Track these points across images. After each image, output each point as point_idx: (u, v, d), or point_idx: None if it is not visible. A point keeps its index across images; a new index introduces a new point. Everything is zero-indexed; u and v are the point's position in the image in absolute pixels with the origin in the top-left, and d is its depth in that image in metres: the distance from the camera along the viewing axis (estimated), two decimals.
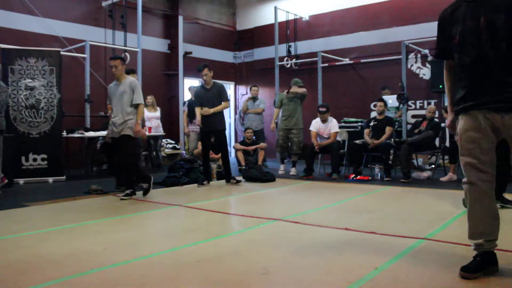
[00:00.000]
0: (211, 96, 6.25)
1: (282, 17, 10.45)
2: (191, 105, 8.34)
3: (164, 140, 9.52)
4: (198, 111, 6.33)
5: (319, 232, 3.49)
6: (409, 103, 8.66)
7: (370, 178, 6.64)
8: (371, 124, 7.12)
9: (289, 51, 10.73)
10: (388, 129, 6.86)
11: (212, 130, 6.27)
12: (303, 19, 10.92)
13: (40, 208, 4.68)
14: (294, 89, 7.64)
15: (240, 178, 6.70)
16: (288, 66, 10.57)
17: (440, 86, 8.15)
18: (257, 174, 6.74)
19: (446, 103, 2.77)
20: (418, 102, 9.10)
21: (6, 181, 5.96)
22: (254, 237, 3.40)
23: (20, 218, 4.21)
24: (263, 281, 2.39)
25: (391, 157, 6.67)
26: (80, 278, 2.44)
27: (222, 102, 6.28)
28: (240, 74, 12.41)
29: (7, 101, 5.83)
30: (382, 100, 7.11)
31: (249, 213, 4.27)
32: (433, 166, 7.21)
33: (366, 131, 7.16)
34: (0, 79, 5.75)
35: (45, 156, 6.74)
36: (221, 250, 2.99)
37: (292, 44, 10.79)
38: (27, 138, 6.68)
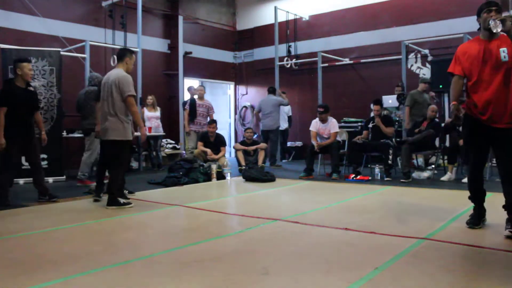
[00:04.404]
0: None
1: (282, 17, 10.45)
2: (193, 104, 8.35)
3: (164, 140, 9.52)
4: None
5: (319, 232, 3.49)
6: None
7: (370, 178, 6.64)
8: (370, 125, 7.11)
9: (289, 51, 10.73)
10: (390, 130, 6.88)
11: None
12: (303, 19, 10.92)
13: (40, 208, 4.68)
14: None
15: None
16: (288, 66, 10.57)
17: (441, 86, 8.15)
18: (257, 174, 6.74)
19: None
20: None
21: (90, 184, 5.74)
22: (254, 237, 3.40)
23: (20, 218, 4.21)
24: (263, 281, 2.38)
25: (390, 156, 6.67)
26: (80, 278, 2.44)
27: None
28: (240, 74, 12.41)
29: None
30: (377, 104, 7.05)
31: (249, 213, 4.26)
32: (433, 166, 7.21)
33: (365, 132, 7.15)
34: None
35: (45, 156, 6.71)
36: (221, 250, 2.99)
37: (292, 44, 10.80)
38: None
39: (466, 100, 3.42)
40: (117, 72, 4.62)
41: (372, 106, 7.26)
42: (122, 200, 4.62)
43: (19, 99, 4.80)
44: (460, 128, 6.33)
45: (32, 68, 5.15)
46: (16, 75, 4.88)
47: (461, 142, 6.23)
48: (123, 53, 4.74)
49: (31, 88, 5.11)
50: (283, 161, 10.00)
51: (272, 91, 9.26)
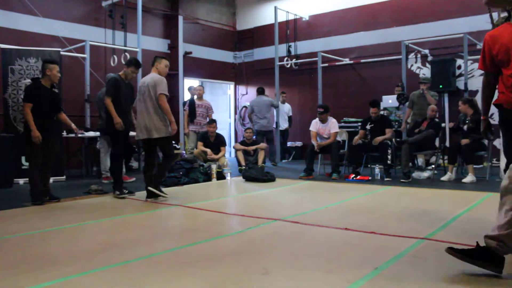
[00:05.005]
0: (129, 91, 5.41)
1: (282, 17, 10.45)
2: (192, 105, 8.35)
3: None
4: (111, 104, 5.10)
5: (319, 232, 3.49)
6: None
7: (370, 178, 6.64)
8: (368, 127, 7.08)
9: (289, 51, 10.72)
10: (388, 131, 6.87)
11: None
12: (303, 19, 10.92)
13: (40, 208, 4.68)
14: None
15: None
16: (288, 66, 10.57)
17: (441, 86, 8.16)
18: (257, 174, 6.74)
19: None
20: None
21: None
22: (254, 237, 3.40)
23: (20, 218, 4.21)
24: (263, 281, 2.38)
25: (389, 156, 6.66)
26: (80, 278, 2.44)
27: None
28: (240, 74, 12.42)
29: None
30: (375, 106, 7.02)
31: (249, 213, 4.27)
32: (432, 166, 7.21)
33: (361, 132, 7.12)
34: None
35: None
36: (221, 250, 2.99)
37: (292, 44, 10.79)
38: None
39: (503, 94, 2.80)
40: (153, 75, 5.06)
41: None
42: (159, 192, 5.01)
43: (44, 98, 4.88)
44: (465, 127, 6.33)
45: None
46: (44, 75, 4.94)
47: (463, 141, 6.23)
48: (154, 60, 5.20)
49: (55, 90, 5.19)
50: (283, 161, 10.01)
51: (261, 91, 9.31)
